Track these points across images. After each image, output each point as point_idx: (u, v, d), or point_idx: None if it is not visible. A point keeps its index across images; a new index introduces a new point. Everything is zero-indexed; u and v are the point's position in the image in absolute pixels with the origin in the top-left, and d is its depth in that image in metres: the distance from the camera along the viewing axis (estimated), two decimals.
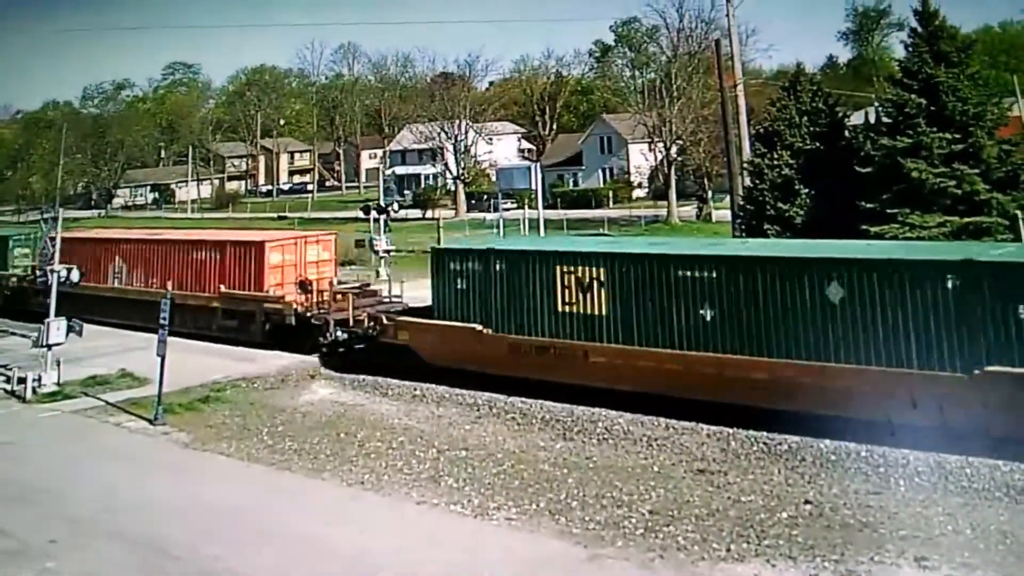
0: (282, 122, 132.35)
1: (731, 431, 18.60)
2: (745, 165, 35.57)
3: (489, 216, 60.39)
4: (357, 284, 31.51)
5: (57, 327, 24.13)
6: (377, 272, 38.73)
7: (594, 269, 20.74)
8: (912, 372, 16.66)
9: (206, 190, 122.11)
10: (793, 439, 17.75)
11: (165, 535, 14.60)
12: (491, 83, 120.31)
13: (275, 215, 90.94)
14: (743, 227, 33.14)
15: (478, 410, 21.76)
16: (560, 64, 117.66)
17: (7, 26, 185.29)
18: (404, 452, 18.77)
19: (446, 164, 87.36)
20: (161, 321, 21.59)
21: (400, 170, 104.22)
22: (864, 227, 27.29)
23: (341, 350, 26.62)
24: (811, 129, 31.45)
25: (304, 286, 29.09)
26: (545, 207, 46.45)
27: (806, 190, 30.35)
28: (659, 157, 73.70)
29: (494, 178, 67.27)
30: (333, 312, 27.13)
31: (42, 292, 28.09)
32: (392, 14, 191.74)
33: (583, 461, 18.03)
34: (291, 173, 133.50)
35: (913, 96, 28.41)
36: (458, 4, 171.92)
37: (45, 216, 37.58)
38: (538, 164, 60.38)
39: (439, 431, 20.45)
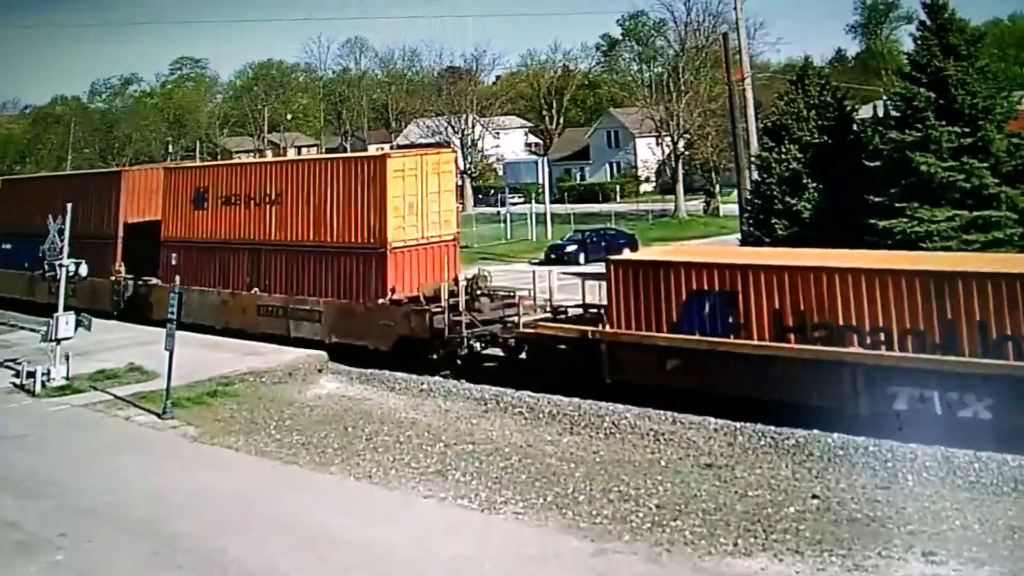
0: (289, 116, 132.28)
1: (738, 425, 18.58)
2: (753, 159, 35.56)
3: (500, 211, 60.41)
4: None
5: (66, 321, 24.18)
6: None
7: None
8: None
9: None
10: (801, 433, 17.74)
11: (174, 528, 14.66)
12: (498, 77, 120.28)
13: None
14: (751, 221, 33.11)
15: (485, 404, 21.78)
16: (567, 58, 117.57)
17: (15, 21, 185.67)
18: (411, 446, 18.80)
19: None
20: (170, 314, 21.64)
21: None
22: (872, 221, 27.26)
23: None
24: (819, 123, 31.39)
25: None
26: (552, 201, 46.51)
27: (814, 184, 30.30)
28: (666, 151, 73.77)
29: (501, 172, 67.28)
30: None
31: None
32: (399, 8, 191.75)
33: (590, 455, 18.04)
34: None
35: (922, 89, 28.33)
36: None
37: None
38: (545, 158, 60.60)
39: (446, 425, 20.48)
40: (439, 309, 24.27)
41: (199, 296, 29.90)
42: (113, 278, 33.71)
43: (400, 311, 25.16)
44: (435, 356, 24.70)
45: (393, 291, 25.38)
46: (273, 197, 28.72)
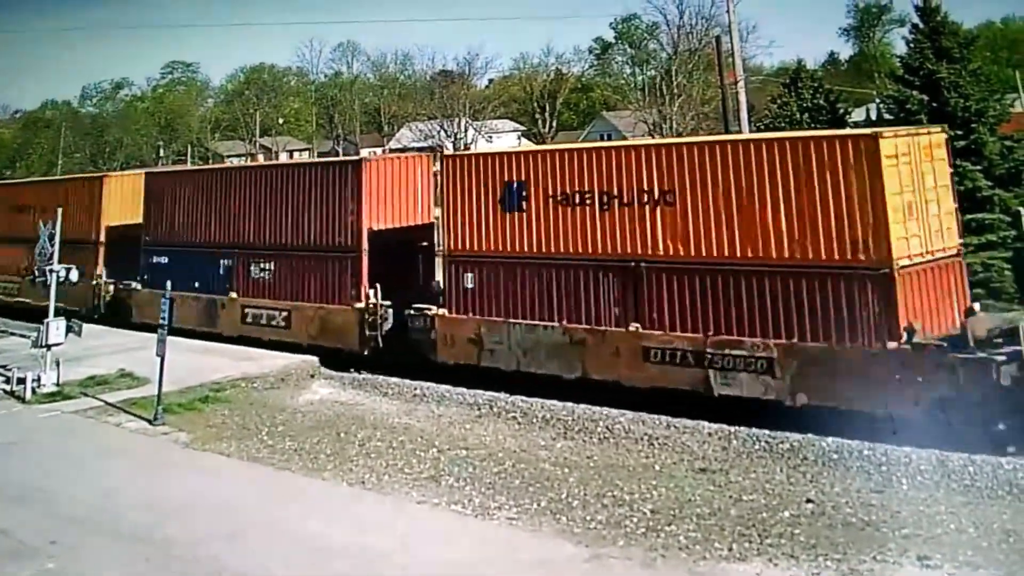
0: (281, 120, 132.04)
1: (733, 430, 18.58)
2: None
3: None
4: None
5: (56, 327, 24.04)
6: None
7: None
8: None
9: None
10: (795, 437, 17.73)
11: (165, 535, 14.55)
12: (491, 80, 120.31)
13: None
14: None
15: (478, 409, 21.73)
16: (560, 61, 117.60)
17: (5, 26, 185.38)
18: (404, 451, 18.72)
19: None
20: (161, 320, 21.54)
21: None
22: None
23: None
24: (812, 126, 31.50)
25: None
26: None
27: None
28: None
29: None
30: None
31: None
32: (392, 12, 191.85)
33: (584, 460, 17.99)
34: None
35: (915, 92, 28.46)
36: (458, 2, 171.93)
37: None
38: None
39: (439, 430, 20.41)
40: (1004, 357, 16.80)
41: (523, 333, 22.49)
42: (361, 305, 25.68)
43: (933, 361, 17.33)
44: (1003, 427, 16.97)
45: (910, 330, 17.78)
46: (658, 195, 20.72)
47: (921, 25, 29.43)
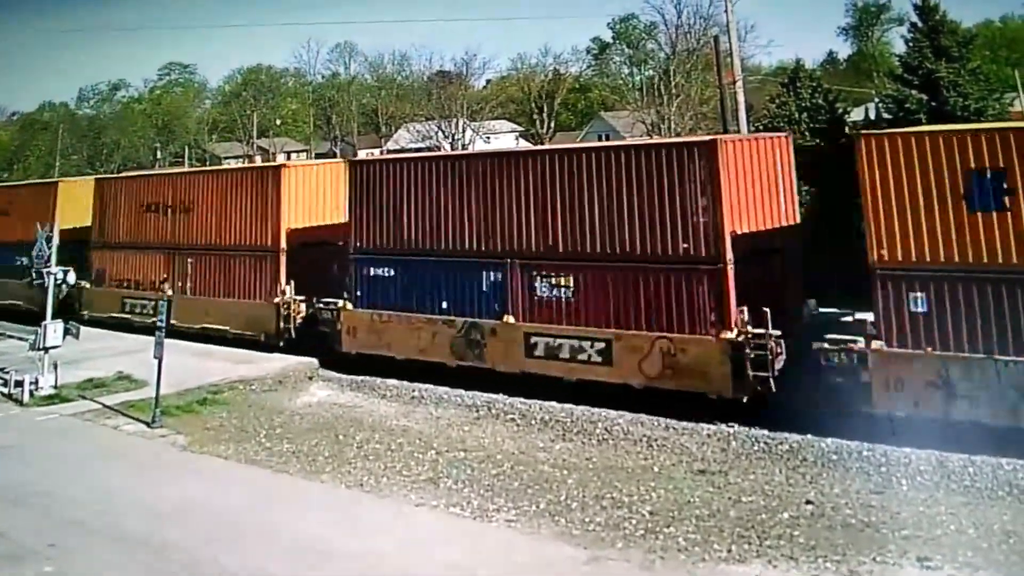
0: (279, 122, 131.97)
1: (732, 431, 18.57)
2: None
3: None
4: None
5: (54, 330, 24.00)
6: None
7: None
8: None
9: None
10: (794, 438, 17.72)
11: (164, 537, 14.51)
12: (488, 81, 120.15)
13: None
14: None
15: (477, 411, 21.68)
16: (558, 62, 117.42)
17: (2, 27, 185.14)
18: (403, 454, 18.70)
19: None
20: (158, 323, 21.51)
21: None
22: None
23: None
24: (811, 125, 31.43)
25: None
26: None
27: (806, 187, 30.29)
28: None
29: None
30: None
31: None
32: (389, 13, 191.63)
33: (583, 462, 17.96)
34: None
35: (913, 91, 28.44)
36: (455, 2, 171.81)
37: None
38: None
39: (438, 432, 20.38)
40: None
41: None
42: (731, 334, 19.33)
43: None
44: None
45: None
46: None
47: (920, 24, 29.43)
